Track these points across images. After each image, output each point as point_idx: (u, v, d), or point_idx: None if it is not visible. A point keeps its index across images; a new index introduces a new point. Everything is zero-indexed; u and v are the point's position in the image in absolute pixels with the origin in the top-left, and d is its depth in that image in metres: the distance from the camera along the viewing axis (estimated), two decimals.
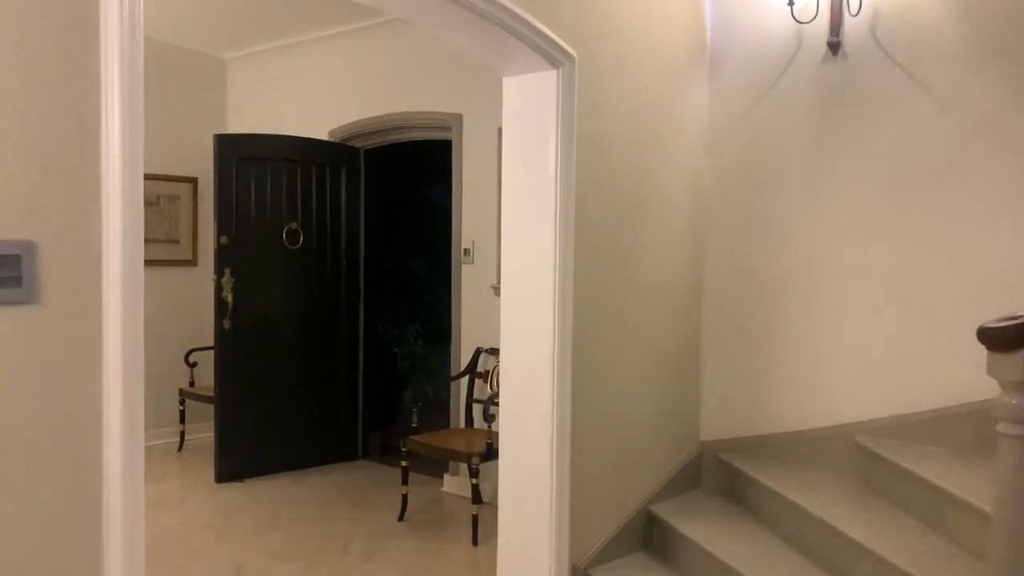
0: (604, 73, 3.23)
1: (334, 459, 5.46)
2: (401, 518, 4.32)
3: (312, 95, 5.68)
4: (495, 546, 3.22)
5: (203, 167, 5.56)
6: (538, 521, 3.09)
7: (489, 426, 4.07)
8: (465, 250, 4.88)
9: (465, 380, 4.75)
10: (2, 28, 1.61)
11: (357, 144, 5.57)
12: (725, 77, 3.89)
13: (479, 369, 4.72)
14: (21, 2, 1.63)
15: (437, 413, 5.21)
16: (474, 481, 3.98)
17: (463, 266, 4.90)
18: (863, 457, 3.45)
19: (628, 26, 3.36)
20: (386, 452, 5.66)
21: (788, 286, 3.73)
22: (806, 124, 3.67)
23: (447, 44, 4.82)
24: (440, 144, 5.13)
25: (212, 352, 5.09)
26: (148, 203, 5.66)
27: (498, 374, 4.55)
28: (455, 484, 4.83)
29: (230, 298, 4.99)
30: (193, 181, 5.98)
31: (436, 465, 4.88)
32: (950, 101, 3.31)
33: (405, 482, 4.32)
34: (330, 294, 5.49)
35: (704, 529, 3.37)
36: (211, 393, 5.12)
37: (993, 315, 2.02)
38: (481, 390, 4.70)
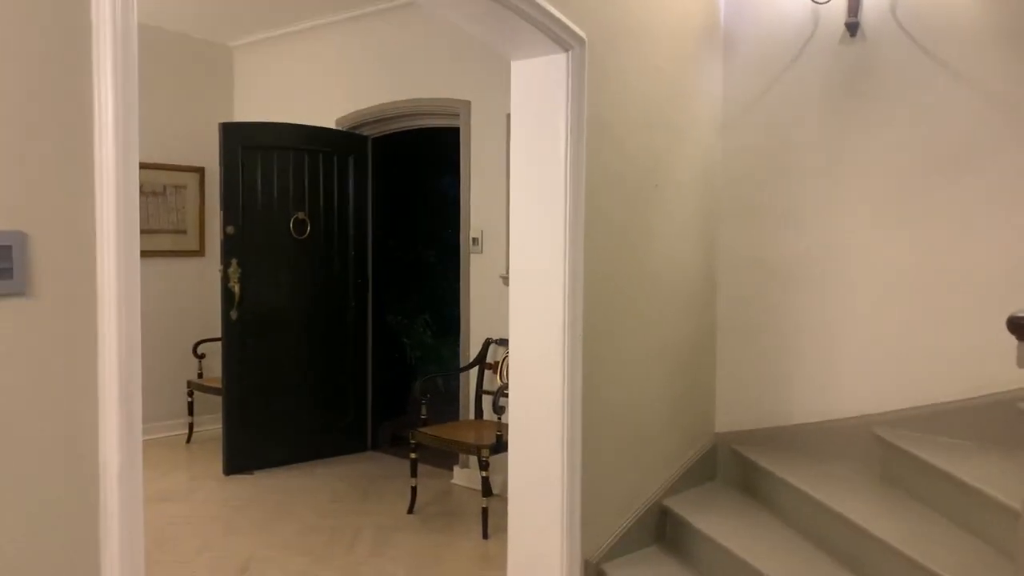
0: (615, 56, 3.14)
1: (343, 451, 5.42)
2: (411, 510, 4.27)
3: (319, 83, 5.61)
4: (505, 540, 3.16)
5: (210, 156, 5.51)
6: (549, 515, 3.03)
7: (499, 418, 4.01)
8: (474, 239, 4.81)
9: (474, 371, 4.69)
10: None
11: (365, 132, 5.50)
12: (739, 59, 3.80)
13: (488, 360, 4.66)
14: None
15: (446, 404, 5.17)
16: (484, 474, 3.93)
17: (472, 255, 4.83)
18: (882, 449, 3.37)
19: (639, 6, 3.27)
20: (395, 444, 5.62)
21: (804, 274, 3.65)
22: (822, 107, 3.57)
23: (455, 29, 4.75)
24: (448, 131, 5.06)
25: (220, 343, 5.05)
26: (155, 193, 5.63)
27: (508, 365, 4.49)
28: (465, 476, 4.77)
29: (237, 289, 4.94)
30: (200, 171, 5.92)
31: (446, 457, 4.83)
32: (972, 85, 3.21)
33: (414, 474, 4.27)
34: (338, 284, 5.43)
35: (719, 523, 3.31)
36: (219, 385, 5.08)
37: (1018, 305, 1.94)
38: (491, 381, 4.64)
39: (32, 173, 1.61)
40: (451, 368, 6.23)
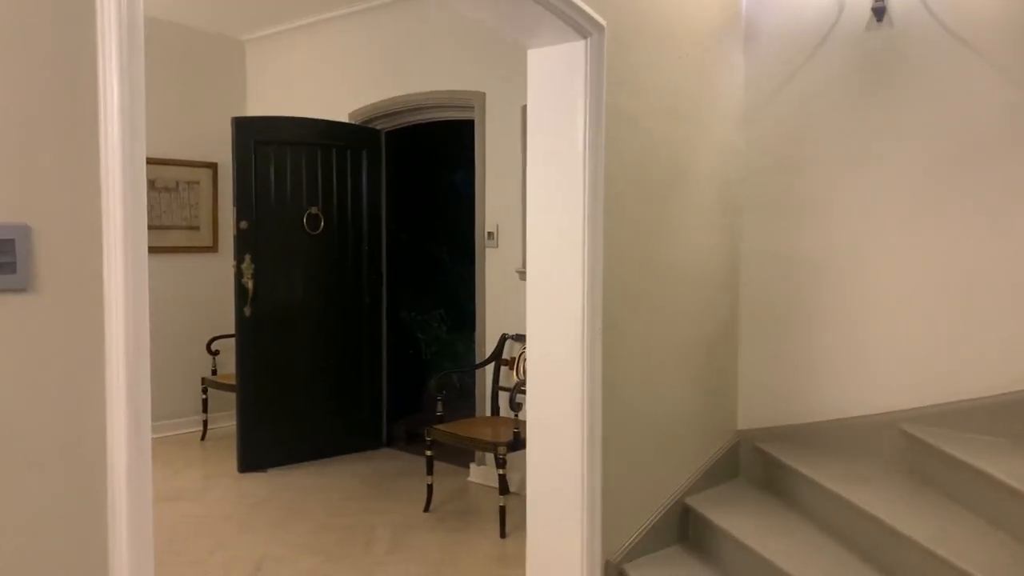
0: (635, 43, 3.06)
1: (358, 448, 5.37)
2: (427, 509, 4.21)
3: (332, 76, 5.55)
4: (523, 538, 3.09)
5: (223, 152, 5.45)
6: (569, 514, 2.96)
7: (516, 415, 3.94)
8: (489, 233, 4.74)
9: (490, 367, 4.63)
10: None
11: (378, 126, 5.44)
12: (761, 47, 3.70)
13: (505, 356, 4.59)
14: None
15: (462, 401, 5.10)
16: (501, 472, 3.86)
17: (487, 250, 4.76)
18: (911, 446, 3.28)
19: None
20: (410, 440, 5.57)
21: (829, 268, 3.55)
22: (848, 95, 3.47)
23: (468, 20, 4.68)
24: (462, 124, 4.99)
25: (234, 340, 5.00)
26: (168, 189, 5.60)
27: (524, 360, 4.42)
28: (481, 474, 4.71)
29: (251, 285, 4.90)
30: (213, 166, 5.88)
31: (461, 454, 4.77)
32: (1005, 72, 3.10)
33: (430, 472, 4.21)
34: (352, 280, 5.38)
35: (743, 522, 3.23)
36: (233, 382, 5.04)
37: None
38: (507, 377, 4.57)
39: (35, 164, 1.56)
40: (466, 364, 6.17)
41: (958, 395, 3.23)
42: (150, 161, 1.74)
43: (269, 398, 5.01)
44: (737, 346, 3.82)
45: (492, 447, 3.92)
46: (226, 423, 5.66)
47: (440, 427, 4.21)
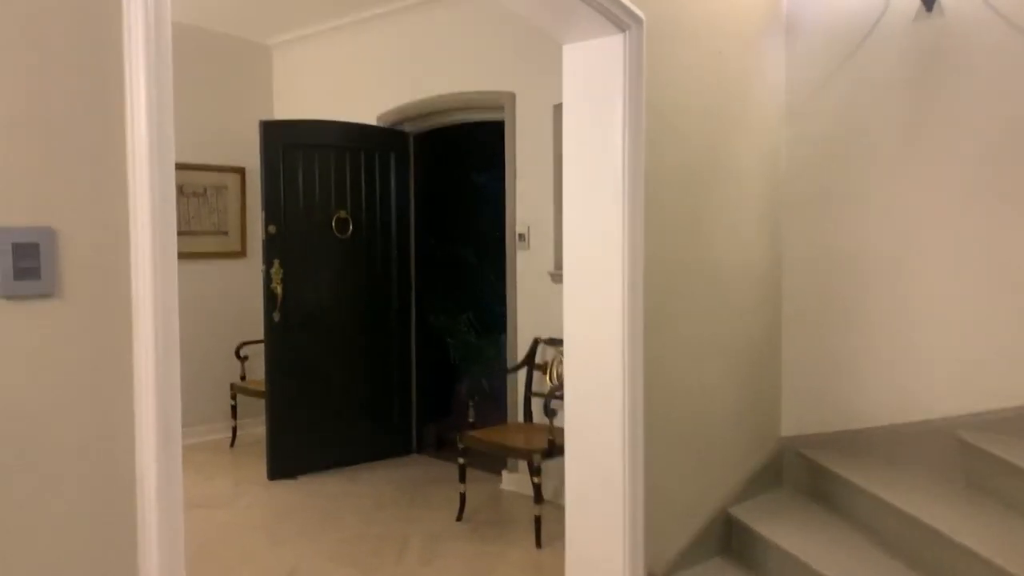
0: (674, 37, 2.95)
1: (388, 454, 5.29)
2: (459, 518, 4.12)
3: (359, 79, 5.49)
4: (560, 549, 2.99)
5: (250, 157, 5.40)
6: (610, 524, 2.85)
7: (551, 421, 3.84)
8: (520, 235, 4.64)
9: (522, 372, 4.53)
10: (15, 1, 1.43)
11: (406, 128, 5.37)
12: (803, 40, 3.57)
13: (537, 361, 4.49)
14: None
15: (492, 406, 5.00)
16: (536, 480, 3.76)
17: (518, 252, 4.66)
18: (967, 453, 3.13)
19: None
20: (441, 446, 5.48)
21: (877, 267, 3.42)
22: (896, 89, 3.34)
23: (497, 19, 4.60)
24: (490, 125, 4.90)
25: (263, 345, 4.95)
26: (195, 194, 5.57)
27: (559, 366, 4.32)
28: (514, 481, 4.61)
29: (279, 290, 4.84)
30: (240, 171, 5.85)
31: (493, 461, 4.67)
32: None
33: (463, 480, 4.12)
34: (381, 284, 5.31)
35: (789, 532, 3.11)
36: (262, 387, 4.98)
37: None
38: (540, 383, 4.47)
39: (59, 167, 1.49)
40: (495, 368, 6.07)
41: (1016, 401, 3.08)
42: (178, 167, 1.66)
43: (298, 404, 4.95)
44: (780, 348, 3.69)
45: (527, 455, 3.82)
46: (255, 429, 5.61)
47: (473, 434, 4.12)
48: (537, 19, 2.85)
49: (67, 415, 1.50)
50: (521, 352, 4.59)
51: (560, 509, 2.96)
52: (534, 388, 4.47)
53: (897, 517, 2.95)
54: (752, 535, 3.16)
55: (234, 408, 5.62)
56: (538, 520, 3.75)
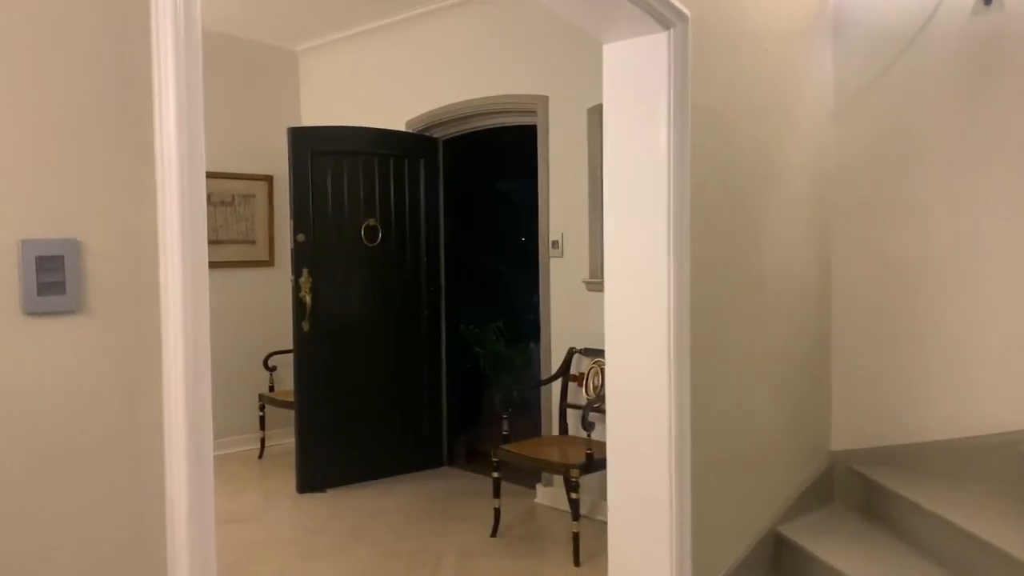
0: (719, 35, 2.83)
1: (418, 466, 5.19)
2: (494, 533, 4.00)
3: (387, 84, 5.41)
4: (599, 566, 2.87)
5: (278, 164, 5.35)
6: (655, 543, 2.72)
7: (588, 435, 3.71)
8: (554, 242, 4.52)
9: (557, 384, 4.40)
10: (42, 6, 1.34)
11: (436, 134, 5.28)
12: (851, 39, 3.43)
13: (572, 371, 4.37)
14: None
15: (524, 418, 4.88)
16: (574, 496, 3.62)
17: (552, 260, 4.55)
18: None
19: None
20: (471, 458, 5.37)
21: (932, 274, 3.26)
22: (951, 88, 3.18)
23: (528, 21, 4.50)
24: (521, 130, 4.79)
25: (291, 355, 4.87)
26: (223, 203, 5.51)
27: (596, 377, 4.19)
28: (549, 495, 4.48)
29: (308, 299, 4.77)
30: (268, 179, 5.79)
31: (527, 474, 4.55)
32: None
33: (497, 495, 4.00)
34: (411, 293, 5.21)
35: (843, 552, 2.96)
36: (291, 398, 4.91)
37: None
38: (575, 394, 4.35)
39: (85, 175, 1.40)
40: (524, 378, 5.96)
41: None
42: (206, 175, 1.56)
43: (327, 415, 4.86)
44: (830, 359, 3.54)
45: (564, 469, 3.70)
46: (284, 440, 5.53)
47: (507, 447, 4.00)
48: (577, 18, 2.74)
49: (94, 436, 1.41)
50: (555, 362, 4.47)
51: (597, 524, 2.84)
52: (569, 399, 4.35)
53: (957, 535, 2.80)
54: (805, 555, 3.02)
55: (262, 419, 5.55)
56: (576, 537, 3.62)
